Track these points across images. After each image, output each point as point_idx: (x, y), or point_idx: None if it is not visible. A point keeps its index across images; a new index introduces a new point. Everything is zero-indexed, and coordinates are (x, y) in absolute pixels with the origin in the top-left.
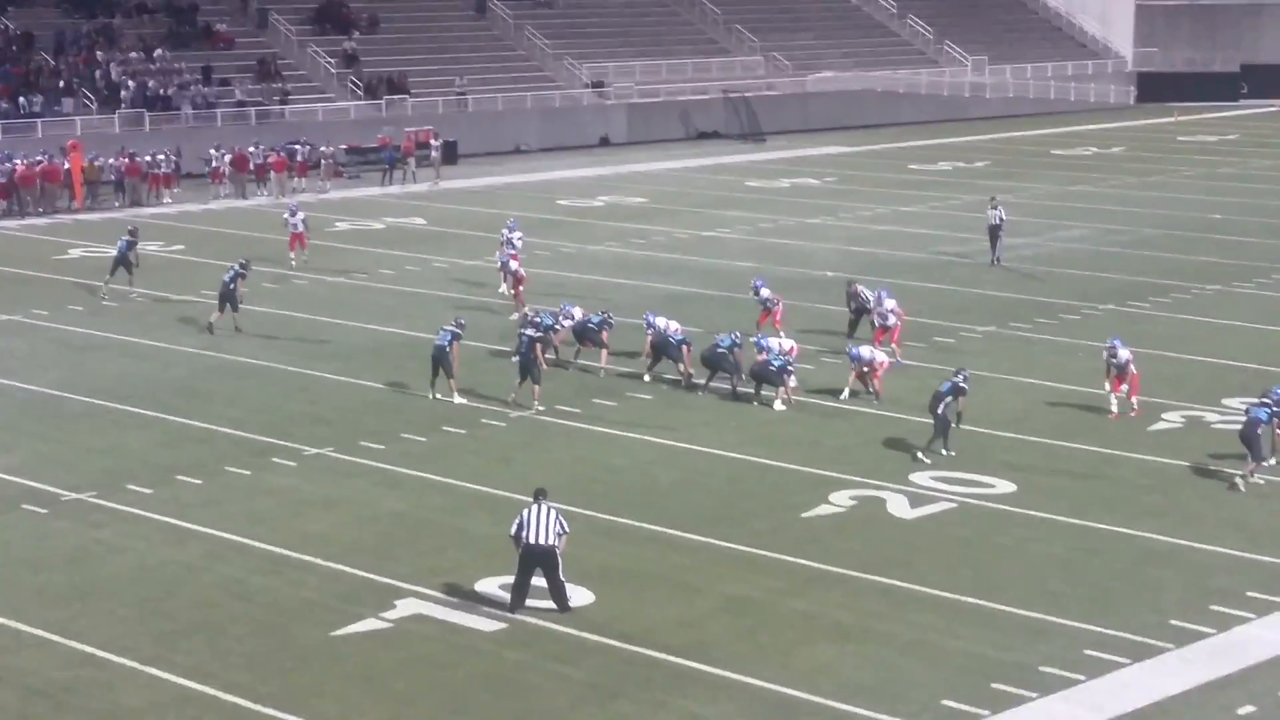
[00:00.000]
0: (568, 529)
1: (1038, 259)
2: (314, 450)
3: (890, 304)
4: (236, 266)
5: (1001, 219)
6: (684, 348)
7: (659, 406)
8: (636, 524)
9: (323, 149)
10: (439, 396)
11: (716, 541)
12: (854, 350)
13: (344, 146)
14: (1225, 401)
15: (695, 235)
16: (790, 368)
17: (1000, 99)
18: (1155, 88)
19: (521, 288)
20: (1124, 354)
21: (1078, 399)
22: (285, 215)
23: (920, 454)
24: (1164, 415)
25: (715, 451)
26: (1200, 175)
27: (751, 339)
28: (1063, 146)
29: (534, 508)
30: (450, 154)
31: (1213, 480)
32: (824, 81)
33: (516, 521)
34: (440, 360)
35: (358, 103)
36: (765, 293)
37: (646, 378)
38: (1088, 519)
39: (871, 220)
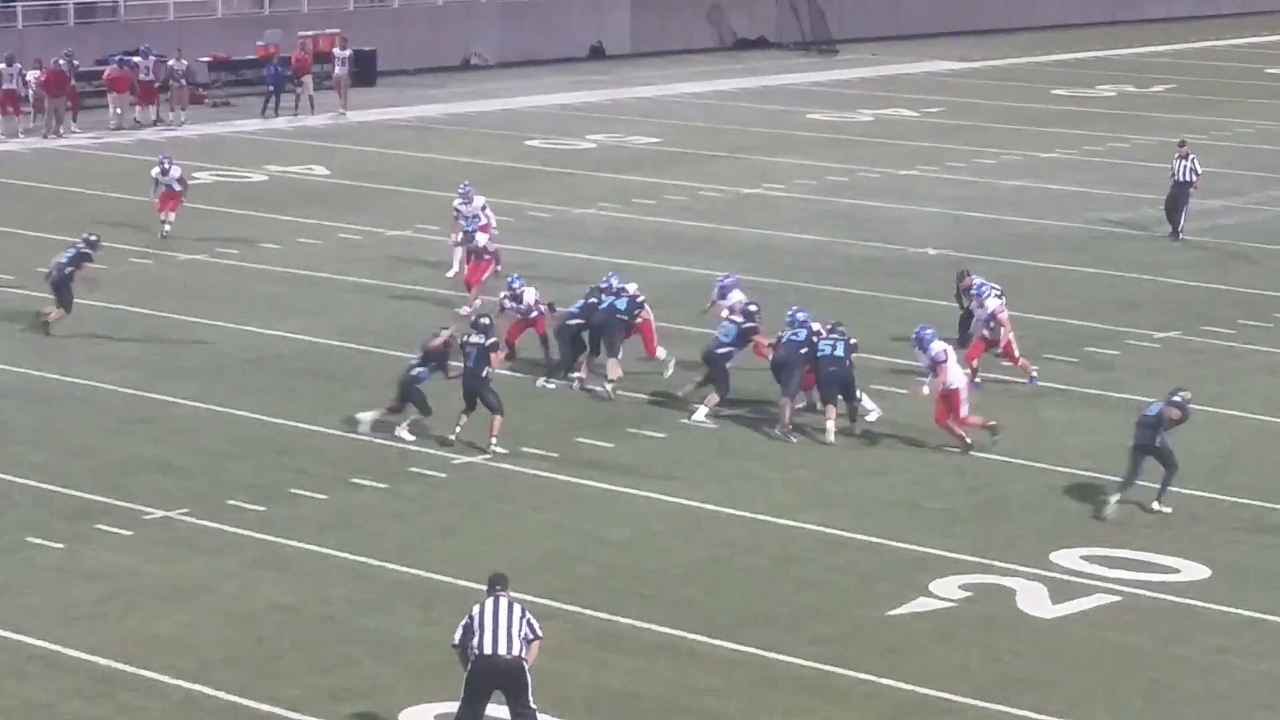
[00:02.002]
0: (540, 633)
1: (1244, 231)
2: (159, 513)
3: (994, 305)
4: (81, 245)
5: (1195, 172)
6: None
7: (676, 447)
8: (643, 625)
9: (173, 63)
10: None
11: (761, 652)
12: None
13: (206, 59)
14: None
15: (731, 194)
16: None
17: None
18: None
19: (484, 276)
20: None
21: None
22: (154, 171)
23: (1156, 504)
24: None
25: (761, 517)
26: None
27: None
28: None
29: (489, 603)
30: (365, 71)
31: None
32: None
33: (464, 623)
34: (412, 396)
35: None
36: (736, 298)
37: (687, 395)
38: None
39: (995, 172)
